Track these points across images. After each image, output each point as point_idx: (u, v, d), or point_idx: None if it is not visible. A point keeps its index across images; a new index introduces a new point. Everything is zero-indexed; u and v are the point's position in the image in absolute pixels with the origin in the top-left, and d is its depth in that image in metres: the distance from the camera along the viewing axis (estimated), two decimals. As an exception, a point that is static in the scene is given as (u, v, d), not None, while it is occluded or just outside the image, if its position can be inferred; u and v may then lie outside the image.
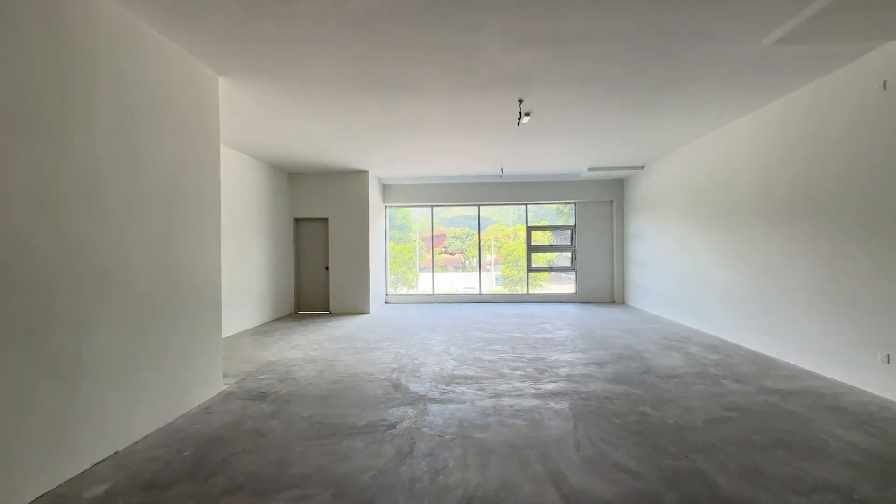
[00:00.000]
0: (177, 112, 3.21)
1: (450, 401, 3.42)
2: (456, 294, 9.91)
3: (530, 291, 9.78)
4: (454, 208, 9.96)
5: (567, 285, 10.03)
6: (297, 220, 8.46)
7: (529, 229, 9.70)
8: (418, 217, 9.90)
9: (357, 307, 8.23)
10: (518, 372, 4.17)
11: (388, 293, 9.83)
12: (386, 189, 9.59)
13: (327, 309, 8.37)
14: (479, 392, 3.61)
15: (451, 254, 11.00)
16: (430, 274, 10.03)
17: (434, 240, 10.46)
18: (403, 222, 10.63)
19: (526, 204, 9.71)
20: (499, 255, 10.92)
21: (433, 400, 3.44)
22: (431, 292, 9.93)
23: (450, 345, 5.38)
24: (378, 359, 4.73)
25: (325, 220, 8.38)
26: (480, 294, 9.79)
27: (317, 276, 8.48)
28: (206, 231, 3.50)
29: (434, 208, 9.86)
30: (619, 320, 7.11)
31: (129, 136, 2.75)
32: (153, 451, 2.62)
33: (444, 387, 3.76)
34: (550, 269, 10.06)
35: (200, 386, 3.43)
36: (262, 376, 4.14)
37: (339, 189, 8.27)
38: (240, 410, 3.27)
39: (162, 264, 3.01)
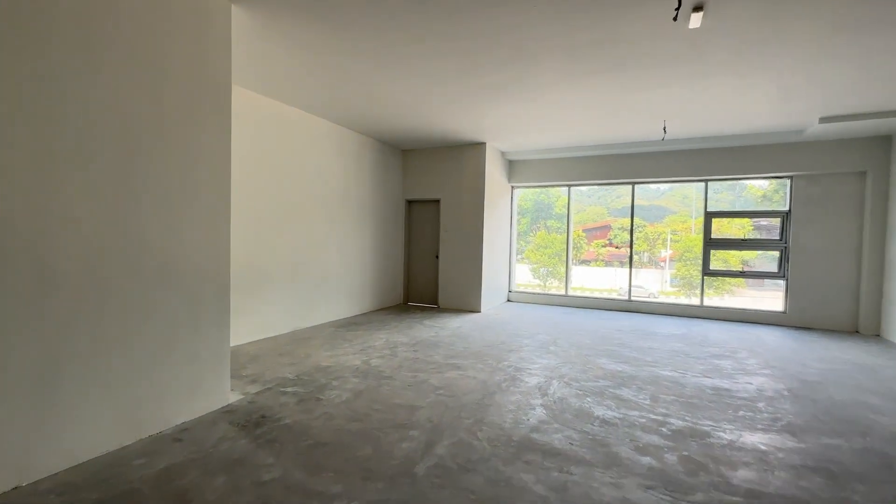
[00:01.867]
0: (161, 43, 2.47)
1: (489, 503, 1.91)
2: (597, 298, 7.81)
3: (705, 303, 6.99)
4: (624, 197, 7.82)
5: (770, 297, 6.86)
6: (409, 202, 7.70)
7: (708, 216, 6.89)
8: (580, 207, 8.41)
9: (467, 304, 7.03)
10: (646, 459, 2.34)
11: (512, 289, 8.36)
12: (512, 166, 8.06)
13: (436, 303, 7.42)
14: (552, 495, 1.99)
15: (616, 247, 9.24)
16: (569, 269, 8.14)
17: (598, 231, 9.26)
18: (562, 211, 9.39)
19: (705, 180, 6.90)
20: (675, 252, 8.69)
21: (465, 493, 1.99)
22: (564, 293, 8.05)
23: (553, 376, 3.72)
24: (441, 385, 3.43)
25: (437, 202, 7.39)
26: (630, 301, 7.47)
27: (428, 265, 7.58)
28: (201, 206, 2.74)
29: (582, 191, 7.93)
30: (872, 369, 4.16)
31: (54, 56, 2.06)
32: (47, 499, 1.90)
33: (499, 466, 2.24)
34: (741, 275, 7.05)
35: (188, 399, 2.71)
36: (288, 389, 3.30)
37: (451, 166, 7.14)
38: (209, 445, 2.42)
39: (116, 242, 2.31)
